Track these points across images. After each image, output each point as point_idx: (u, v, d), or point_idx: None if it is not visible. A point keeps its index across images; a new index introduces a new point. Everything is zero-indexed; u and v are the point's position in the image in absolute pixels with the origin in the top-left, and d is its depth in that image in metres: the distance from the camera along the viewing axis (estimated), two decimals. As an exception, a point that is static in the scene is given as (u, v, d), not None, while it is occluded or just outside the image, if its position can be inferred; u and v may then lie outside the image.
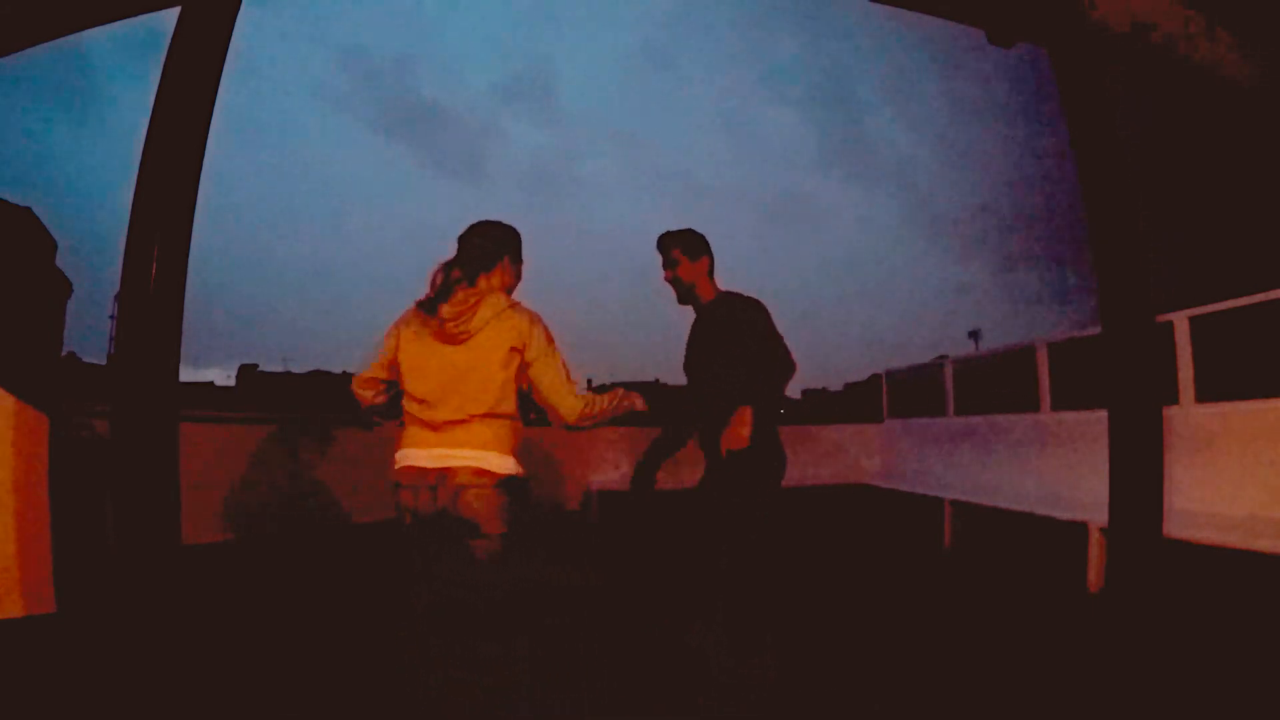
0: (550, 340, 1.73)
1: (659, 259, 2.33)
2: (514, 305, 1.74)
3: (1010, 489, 4.51)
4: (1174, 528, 2.79)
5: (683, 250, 2.28)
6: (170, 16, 1.85)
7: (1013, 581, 3.57)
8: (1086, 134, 2.17)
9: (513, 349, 1.67)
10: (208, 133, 1.82)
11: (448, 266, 1.76)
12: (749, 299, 2.27)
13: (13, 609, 2.47)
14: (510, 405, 1.70)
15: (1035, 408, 4.61)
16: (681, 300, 2.33)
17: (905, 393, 6.35)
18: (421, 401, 1.69)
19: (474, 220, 1.85)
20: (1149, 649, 2.10)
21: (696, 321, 2.35)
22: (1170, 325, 3.52)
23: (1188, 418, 3.44)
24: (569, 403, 1.72)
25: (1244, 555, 2.67)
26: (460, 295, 1.68)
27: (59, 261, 16.16)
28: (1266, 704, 1.99)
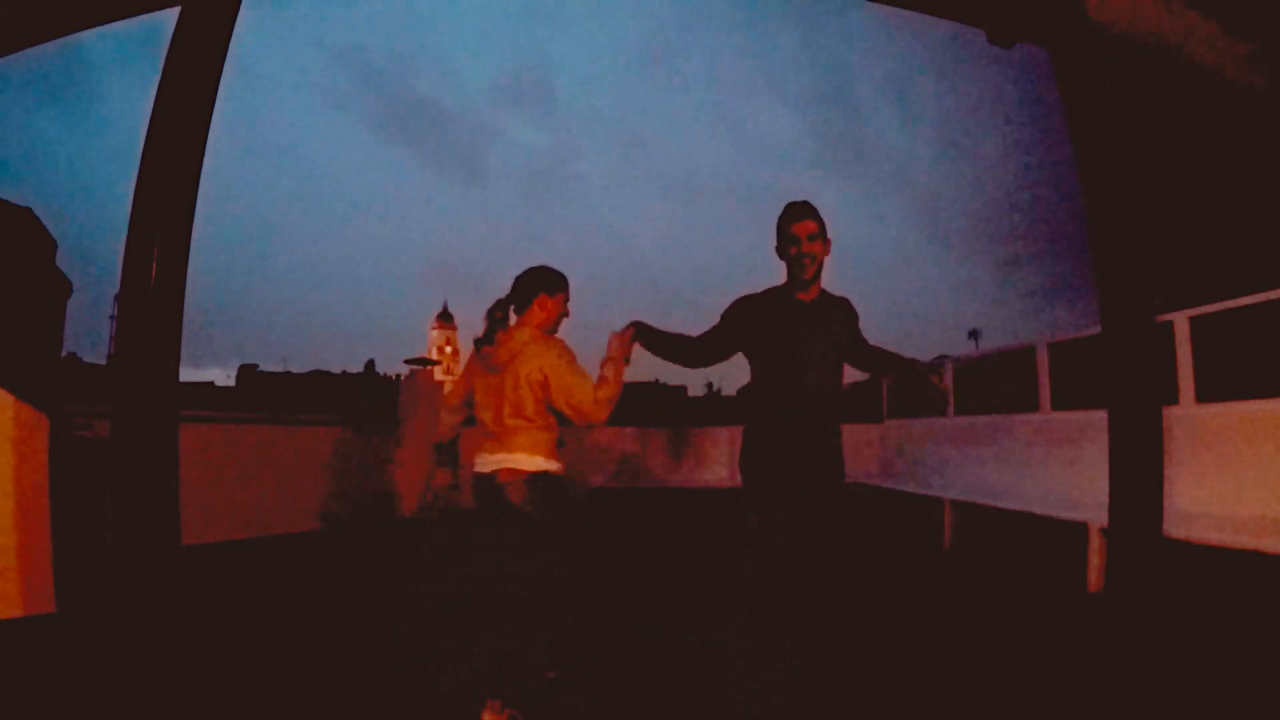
0: (567, 363, 2.04)
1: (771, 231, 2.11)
2: (535, 339, 2.06)
3: (1010, 489, 4.51)
4: (1174, 528, 2.79)
5: (822, 229, 2.07)
6: (170, 16, 1.86)
7: (1013, 582, 3.57)
8: (1086, 134, 2.17)
9: (537, 382, 2.02)
10: (208, 133, 1.83)
11: (491, 310, 2.13)
12: (849, 302, 2.21)
13: (13, 609, 2.47)
14: (540, 417, 2.05)
15: (1035, 408, 4.61)
16: (809, 278, 2.09)
17: (905, 393, 6.35)
18: (482, 421, 2.11)
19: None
20: (1149, 649, 2.10)
21: (793, 313, 2.12)
22: (1170, 325, 3.52)
23: (1188, 418, 3.43)
24: (596, 412, 2.03)
25: (1244, 555, 2.67)
26: (497, 337, 2.09)
27: (59, 261, 16.16)
28: (1266, 704, 1.99)
